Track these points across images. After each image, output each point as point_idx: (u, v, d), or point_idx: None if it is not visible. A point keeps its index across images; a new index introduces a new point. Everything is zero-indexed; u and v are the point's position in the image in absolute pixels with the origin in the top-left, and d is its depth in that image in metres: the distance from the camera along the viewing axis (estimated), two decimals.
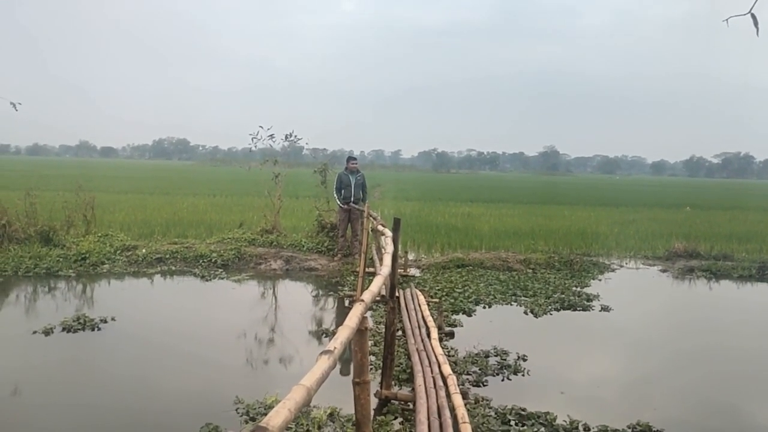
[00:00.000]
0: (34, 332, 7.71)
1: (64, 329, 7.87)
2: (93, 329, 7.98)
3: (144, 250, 13.19)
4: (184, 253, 13.22)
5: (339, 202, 13.37)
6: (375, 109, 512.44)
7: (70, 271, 11.70)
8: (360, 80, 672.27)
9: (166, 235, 15.24)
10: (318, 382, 2.24)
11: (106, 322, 8.25)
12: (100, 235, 14.10)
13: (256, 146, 15.58)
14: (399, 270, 9.09)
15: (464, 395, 4.98)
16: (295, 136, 15.90)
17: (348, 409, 5.06)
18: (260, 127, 15.25)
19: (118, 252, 13.02)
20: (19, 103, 11.89)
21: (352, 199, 13.01)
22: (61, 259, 12.19)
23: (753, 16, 3.46)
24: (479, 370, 6.75)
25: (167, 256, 13.01)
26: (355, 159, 13.50)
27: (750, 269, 13.86)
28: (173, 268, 12.53)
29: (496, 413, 5.53)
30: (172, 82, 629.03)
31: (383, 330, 6.54)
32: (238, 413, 5.45)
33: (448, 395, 4.67)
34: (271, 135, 15.33)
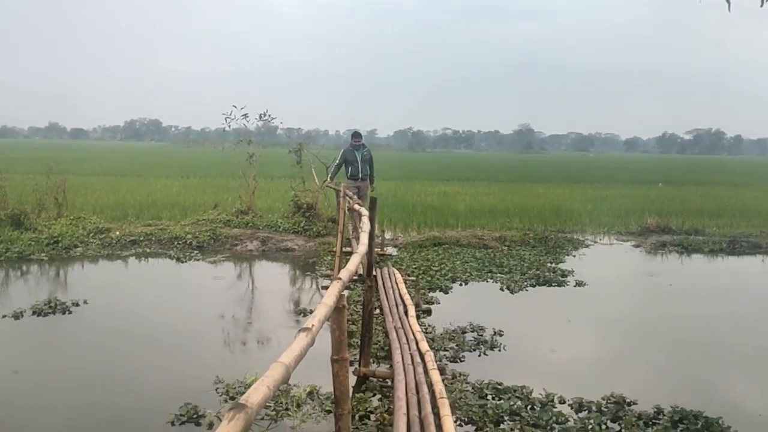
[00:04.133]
0: (4, 316, 7.60)
1: (34, 313, 7.76)
2: (64, 312, 7.88)
3: (118, 233, 13.05)
4: (159, 235, 13.11)
5: (328, 178, 12.96)
6: (350, 88, 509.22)
7: (43, 254, 11.53)
8: (335, 59, 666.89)
9: (140, 218, 15.09)
10: (296, 360, 2.25)
11: (78, 305, 8.16)
12: (72, 218, 13.92)
13: (229, 126, 15.47)
14: (376, 249, 9.10)
15: (442, 371, 5.04)
16: (269, 116, 15.78)
17: (327, 387, 5.08)
18: (234, 106, 15.11)
19: (91, 235, 12.86)
20: None
21: (360, 175, 12.28)
22: (32, 243, 12.00)
23: None
24: (456, 346, 6.82)
25: (141, 238, 12.89)
26: (360, 135, 12.68)
27: (720, 243, 14.13)
28: (148, 250, 12.41)
29: (473, 388, 5.60)
30: (143, 62, 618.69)
31: (361, 309, 6.57)
32: (218, 393, 5.45)
33: (426, 371, 4.70)
34: (244, 115, 15.21)
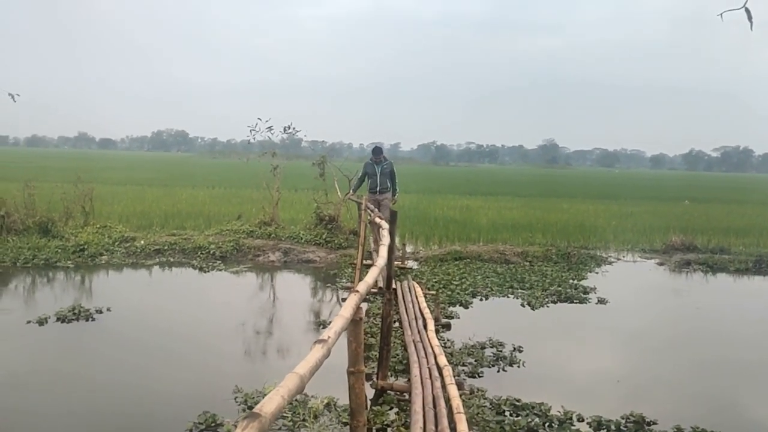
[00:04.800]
0: (29, 322, 7.74)
1: (58, 319, 7.89)
2: (87, 319, 8.00)
3: (142, 242, 13.22)
4: (183, 244, 13.26)
5: (350, 191, 12.99)
6: (374, 102, 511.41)
7: (69, 262, 11.73)
8: (359, 73, 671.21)
9: (165, 227, 15.27)
10: (311, 371, 2.28)
11: (101, 312, 8.28)
12: (98, 226, 14.13)
13: (254, 138, 15.63)
14: (397, 262, 9.11)
15: (459, 386, 5.03)
16: (294, 129, 15.92)
17: (345, 399, 5.09)
18: (259, 119, 15.29)
19: (116, 243, 13.05)
20: (18, 95, 11.90)
21: (378, 188, 12.09)
22: (59, 251, 12.21)
23: (747, 11, 3.49)
24: (475, 361, 6.79)
25: (165, 247, 13.04)
26: (380, 152, 12.34)
27: (747, 263, 13.90)
28: (171, 259, 12.56)
29: (491, 404, 5.57)
30: (171, 74, 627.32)
31: (380, 321, 6.58)
32: (237, 402, 5.49)
33: (444, 386, 4.70)
34: (269, 127, 15.36)
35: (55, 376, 6.23)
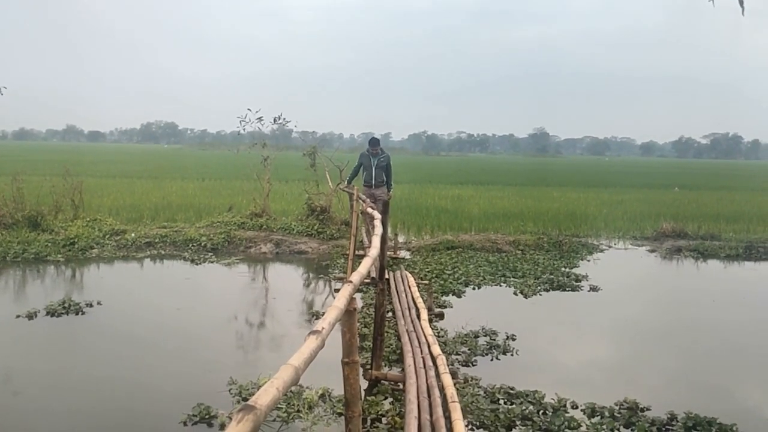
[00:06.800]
0: (18, 316, 7.68)
1: (48, 313, 7.83)
2: (78, 313, 7.94)
3: (133, 235, 13.14)
4: (174, 237, 13.19)
5: (344, 182, 12.74)
6: (364, 92, 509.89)
7: (59, 255, 11.64)
8: (349, 63, 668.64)
9: (155, 220, 15.19)
10: (305, 362, 2.25)
11: (91, 306, 8.22)
12: (88, 219, 14.04)
13: (244, 129, 15.55)
14: (389, 252, 9.10)
15: (453, 375, 5.02)
16: (284, 119, 15.84)
17: (340, 389, 5.08)
18: (248, 109, 15.20)
19: (106, 236, 12.97)
20: (5, 87, 11.80)
21: (373, 182, 11.62)
22: (49, 244, 12.12)
23: None
24: (468, 350, 6.81)
25: (156, 240, 12.98)
26: (377, 143, 11.90)
27: (737, 249, 13.99)
28: (162, 252, 12.49)
29: (485, 392, 5.59)
30: (159, 66, 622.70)
31: (373, 312, 6.57)
32: (231, 394, 5.48)
33: (438, 375, 4.70)
34: (259, 118, 15.28)
35: (46, 370, 6.18)
